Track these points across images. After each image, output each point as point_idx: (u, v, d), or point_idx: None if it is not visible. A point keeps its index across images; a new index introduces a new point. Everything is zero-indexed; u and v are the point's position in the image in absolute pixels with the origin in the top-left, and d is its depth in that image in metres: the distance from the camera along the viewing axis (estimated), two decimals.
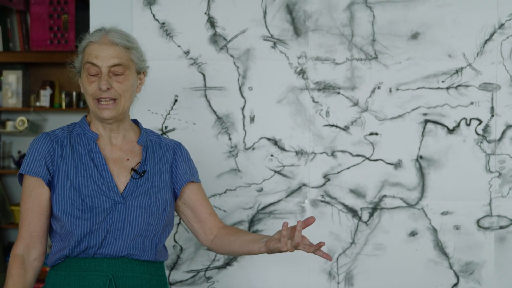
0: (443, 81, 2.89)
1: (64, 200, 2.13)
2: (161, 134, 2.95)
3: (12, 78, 5.13)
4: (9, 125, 5.13)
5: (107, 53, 2.14)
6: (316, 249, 2.05)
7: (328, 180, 2.92)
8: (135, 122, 2.34)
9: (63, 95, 5.13)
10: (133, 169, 2.20)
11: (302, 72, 2.92)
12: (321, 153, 2.92)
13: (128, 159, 2.22)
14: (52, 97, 5.17)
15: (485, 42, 2.88)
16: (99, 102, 2.15)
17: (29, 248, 2.16)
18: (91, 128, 2.22)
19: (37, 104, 5.16)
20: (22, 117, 5.10)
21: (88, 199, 2.12)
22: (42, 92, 5.16)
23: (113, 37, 2.16)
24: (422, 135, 2.90)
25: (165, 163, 2.27)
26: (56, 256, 2.17)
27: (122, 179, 2.18)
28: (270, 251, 2.13)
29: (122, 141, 2.24)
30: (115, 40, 2.15)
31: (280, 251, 2.09)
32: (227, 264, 2.96)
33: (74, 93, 5.14)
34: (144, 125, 2.94)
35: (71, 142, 2.18)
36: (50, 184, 2.16)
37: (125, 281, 2.15)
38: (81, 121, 2.24)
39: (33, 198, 2.15)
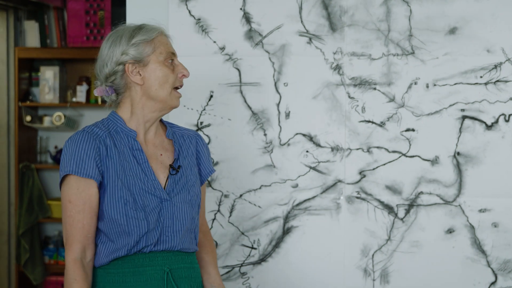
0: (481, 77, 2.85)
1: (117, 200, 2.10)
2: (197, 130, 2.96)
3: (49, 74, 5.19)
4: (46, 121, 5.20)
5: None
6: None
7: (364, 176, 2.90)
8: None
9: None
10: (170, 166, 2.21)
11: (337, 68, 2.91)
12: (357, 149, 2.91)
13: (161, 154, 2.23)
14: (88, 92, 5.22)
15: None
16: (175, 90, 2.21)
17: (84, 250, 2.12)
18: (127, 124, 2.19)
19: (74, 99, 5.22)
20: (59, 113, 5.16)
21: (138, 198, 2.12)
22: (78, 87, 5.21)
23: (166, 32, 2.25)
24: (460, 131, 2.87)
25: (191, 155, 2.30)
26: (109, 258, 2.13)
27: (161, 176, 2.19)
28: None
29: (154, 136, 2.24)
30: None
31: None
32: (262, 260, 2.96)
33: None
34: (180, 120, 2.96)
35: (113, 140, 2.15)
36: (100, 185, 2.12)
37: (179, 273, 2.19)
38: (114, 118, 2.20)
39: (84, 200, 2.10)
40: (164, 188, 2.18)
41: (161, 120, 2.32)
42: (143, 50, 2.15)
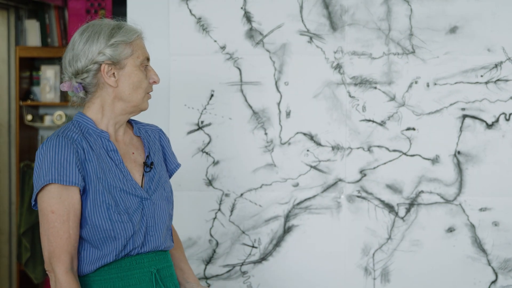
0: (481, 76, 2.85)
1: (99, 205, 2.04)
2: (197, 129, 2.96)
3: (50, 73, 5.18)
4: (47, 120, 5.19)
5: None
6: None
7: (365, 175, 2.91)
8: None
9: None
10: (144, 163, 2.17)
11: (338, 67, 2.91)
12: (358, 148, 2.91)
13: (133, 153, 2.18)
14: None
15: None
16: (147, 93, 2.16)
17: (72, 260, 2.03)
18: (98, 126, 2.12)
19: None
20: (59, 112, 5.16)
21: (120, 200, 2.07)
22: None
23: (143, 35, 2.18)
24: (460, 130, 2.87)
25: (158, 151, 2.26)
26: (95, 265, 2.07)
27: (136, 175, 2.14)
28: None
29: (123, 135, 2.18)
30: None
31: None
32: (263, 259, 2.96)
33: None
34: (181, 119, 2.96)
35: (89, 143, 2.06)
36: (82, 191, 2.03)
37: (164, 272, 2.17)
38: (83, 119, 2.13)
39: (68, 209, 2.01)
40: (142, 187, 2.14)
41: None
42: (121, 52, 2.07)
